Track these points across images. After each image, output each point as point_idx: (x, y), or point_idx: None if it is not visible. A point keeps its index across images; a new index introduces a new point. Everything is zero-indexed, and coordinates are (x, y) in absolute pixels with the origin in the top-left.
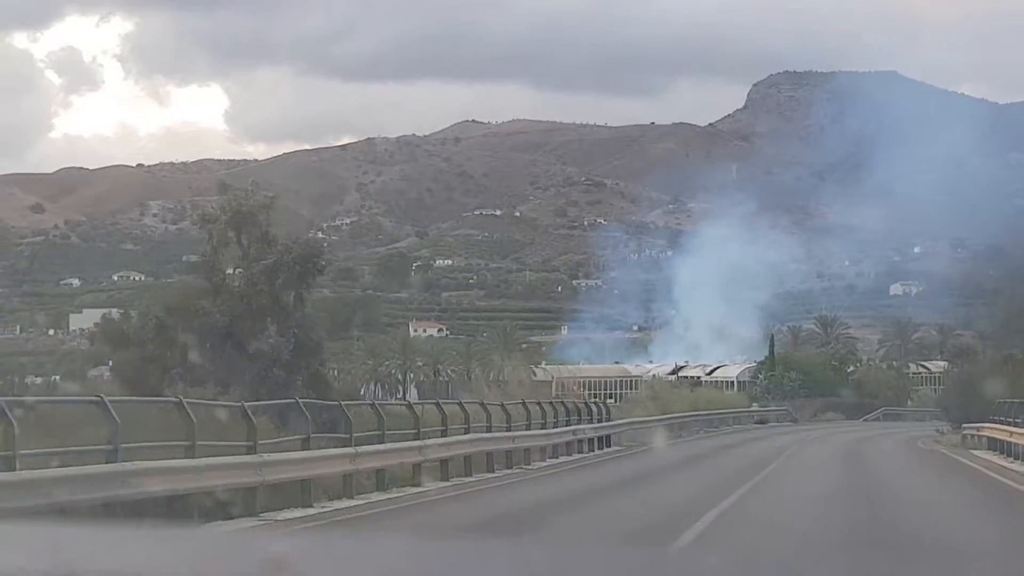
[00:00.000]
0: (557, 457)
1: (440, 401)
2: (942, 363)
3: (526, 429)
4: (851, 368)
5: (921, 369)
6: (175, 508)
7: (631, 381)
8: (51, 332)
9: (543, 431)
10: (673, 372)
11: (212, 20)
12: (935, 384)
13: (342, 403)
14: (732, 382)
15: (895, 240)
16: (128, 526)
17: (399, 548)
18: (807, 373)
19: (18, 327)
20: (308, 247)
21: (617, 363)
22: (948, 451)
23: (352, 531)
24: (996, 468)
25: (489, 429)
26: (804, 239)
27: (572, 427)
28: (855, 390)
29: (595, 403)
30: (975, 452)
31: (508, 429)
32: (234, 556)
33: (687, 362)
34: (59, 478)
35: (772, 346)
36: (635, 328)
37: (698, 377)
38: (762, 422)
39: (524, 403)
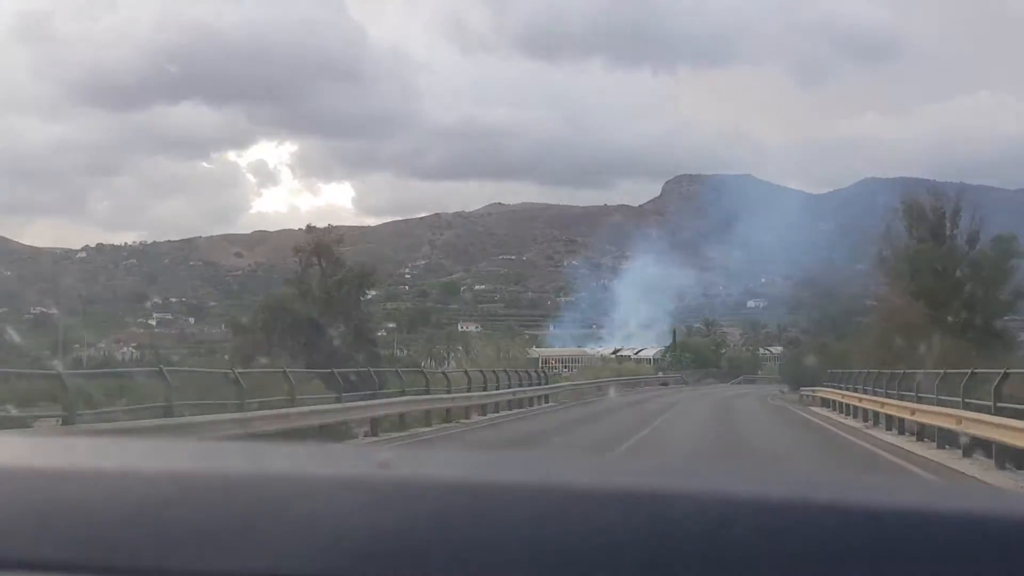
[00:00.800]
0: (498, 412)
1: (426, 370)
2: (779, 348)
3: (467, 391)
4: (723, 350)
5: (766, 352)
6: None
7: (586, 358)
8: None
9: (483, 392)
10: (614, 353)
11: (343, 142)
12: (775, 361)
13: (369, 370)
14: (650, 359)
15: (750, 274)
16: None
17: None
18: (696, 353)
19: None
20: (363, 268)
21: (579, 347)
22: (790, 406)
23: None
24: (825, 418)
25: (427, 391)
26: (696, 273)
27: (513, 389)
28: (726, 365)
29: (540, 371)
30: (812, 409)
31: (468, 390)
32: (355, 458)
33: (622, 347)
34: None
35: (674, 336)
36: (593, 326)
37: (628, 356)
38: (664, 384)
39: (467, 371)
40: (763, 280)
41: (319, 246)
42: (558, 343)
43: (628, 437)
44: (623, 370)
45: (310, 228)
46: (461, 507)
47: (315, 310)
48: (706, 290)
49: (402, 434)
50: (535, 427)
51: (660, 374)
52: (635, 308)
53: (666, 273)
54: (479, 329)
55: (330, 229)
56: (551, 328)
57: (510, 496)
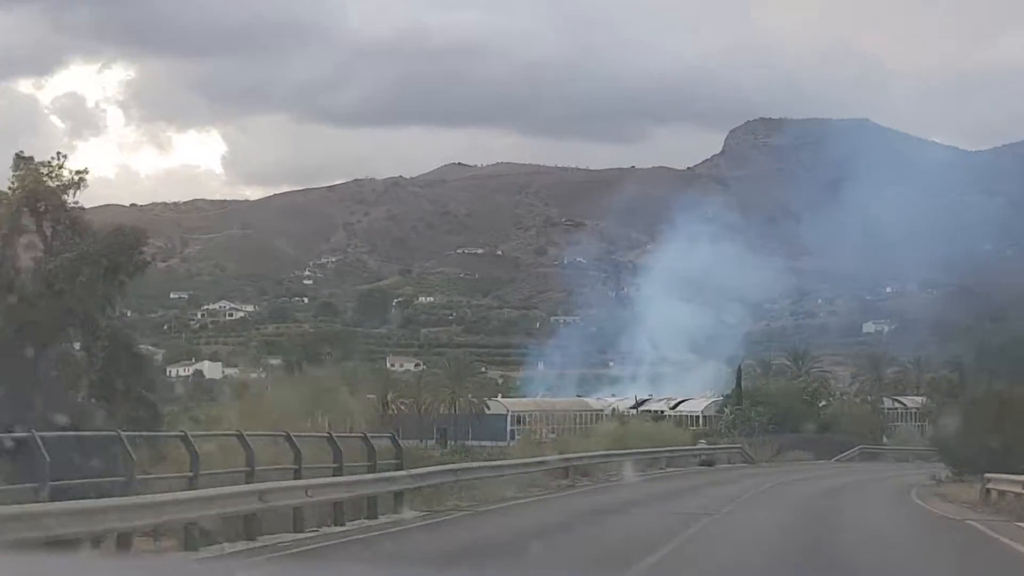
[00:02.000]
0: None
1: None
2: (919, 398)
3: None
4: (823, 403)
5: (897, 404)
6: None
7: (590, 415)
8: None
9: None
10: (635, 406)
11: (210, 68)
12: (912, 420)
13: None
14: (697, 416)
15: (867, 280)
16: None
17: None
18: (776, 407)
19: None
20: (121, 235)
21: (579, 396)
22: (971, 516)
23: None
24: None
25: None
26: (779, 277)
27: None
28: (827, 426)
29: (391, 437)
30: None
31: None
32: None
33: (651, 395)
34: None
35: (739, 379)
36: (611, 363)
37: (661, 411)
38: (708, 463)
39: (241, 435)
40: (888, 289)
41: (35, 194)
42: (547, 388)
43: None
44: (636, 435)
45: (20, 161)
46: None
47: (23, 317)
48: (796, 304)
49: None
50: None
51: (701, 442)
52: (677, 335)
53: (729, 279)
54: (420, 367)
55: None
56: (538, 365)
57: None
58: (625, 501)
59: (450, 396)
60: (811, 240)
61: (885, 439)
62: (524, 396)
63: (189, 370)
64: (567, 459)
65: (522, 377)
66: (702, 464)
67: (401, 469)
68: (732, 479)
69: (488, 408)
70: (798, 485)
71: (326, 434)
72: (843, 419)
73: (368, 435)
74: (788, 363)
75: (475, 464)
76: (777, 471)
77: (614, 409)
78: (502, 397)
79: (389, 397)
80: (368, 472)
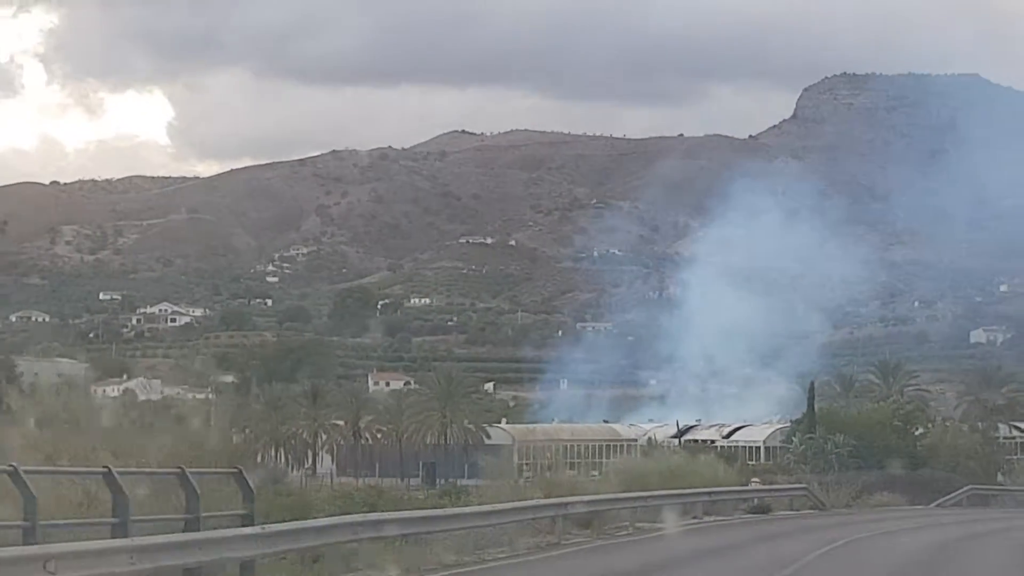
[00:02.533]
0: None
1: None
2: None
3: None
4: (920, 431)
5: (1016, 432)
6: None
7: (619, 445)
8: None
9: None
10: (678, 434)
11: (153, 13)
12: None
13: None
14: (757, 447)
15: (977, 276)
16: None
17: None
18: (859, 436)
19: None
20: None
21: (606, 422)
22: None
23: None
24: None
25: None
26: (866, 276)
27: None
28: (924, 461)
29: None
30: None
31: None
32: None
33: (698, 421)
34: None
35: (812, 399)
36: (651, 382)
37: (711, 441)
38: (762, 510)
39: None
40: (1004, 288)
41: None
42: (567, 413)
43: None
44: (663, 472)
45: None
46: None
47: None
48: (886, 307)
49: None
50: None
51: (755, 482)
52: (736, 346)
53: (803, 276)
54: (412, 385)
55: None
56: (560, 384)
57: None
58: (630, 570)
59: (440, 422)
60: (906, 226)
61: (1001, 477)
62: (537, 423)
63: (119, 389)
64: (555, 504)
65: (538, 399)
66: (753, 511)
67: (251, 523)
68: (791, 532)
69: (488, 437)
70: (885, 541)
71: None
72: (945, 452)
73: (187, 471)
74: (876, 380)
75: (398, 515)
76: (856, 521)
77: (650, 438)
78: (507, 423)
79: (363, 424)
80: (187, 527)
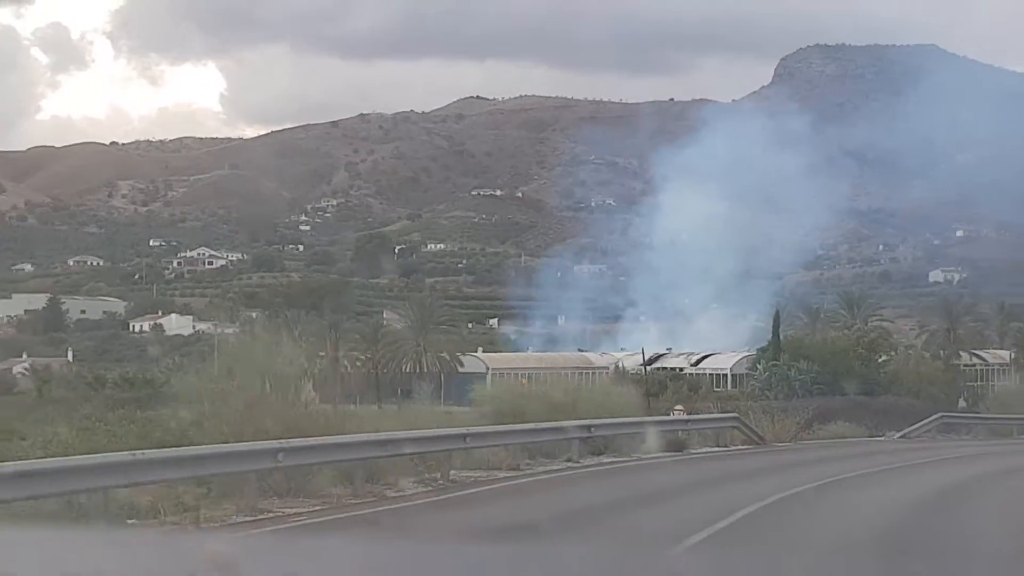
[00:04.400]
0: None
1: None
2: (1003, 352)
3: None
4: (883, 358)
5: (976, 360)
6: None
7: (590, 372)
8: None
9: None
10: (645, 363)
11: None
12: (994, 378)
13: None
14: (725, 375)
15: (934, 224)
16: None
17: None
18: (823, 363)
19: None
20: None
21: (581, 351)
22: None
23: None
24: None
25: None
26: (835, 223)
27: None
28: (888, 387)
29: None
30: None
31: None
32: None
33: (669, 350)
34: None
35: (777, 327)
36: (641, 318)
37: (679, 368)
38: (677, 447)
39: None
40: (959, 233)
41: None
42: (548, 343)
43: None
44: (561, 399)
45: None
46: None
47: None
48: (854, 250)
49: None
50: None
51: (677, 410)
52: (716, 283)
53: (778, 223)
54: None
55: None
56: (559, 320)
57: None
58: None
59: (415, 351)
60: (872, 179)
61: (962, 403)
62: (517, 351)
63: (149, 325)
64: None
65: (537, 332)
66: (665, 449)
67: None
68: (678, 488)
69: (462, 365)
70: (832, 498)
71: None
72: (908, 378)
73: None
74: (841, 310)
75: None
76: (799, 462)
77: (617, 366)
78: (483, 352)
79: (341, 353)
80: None
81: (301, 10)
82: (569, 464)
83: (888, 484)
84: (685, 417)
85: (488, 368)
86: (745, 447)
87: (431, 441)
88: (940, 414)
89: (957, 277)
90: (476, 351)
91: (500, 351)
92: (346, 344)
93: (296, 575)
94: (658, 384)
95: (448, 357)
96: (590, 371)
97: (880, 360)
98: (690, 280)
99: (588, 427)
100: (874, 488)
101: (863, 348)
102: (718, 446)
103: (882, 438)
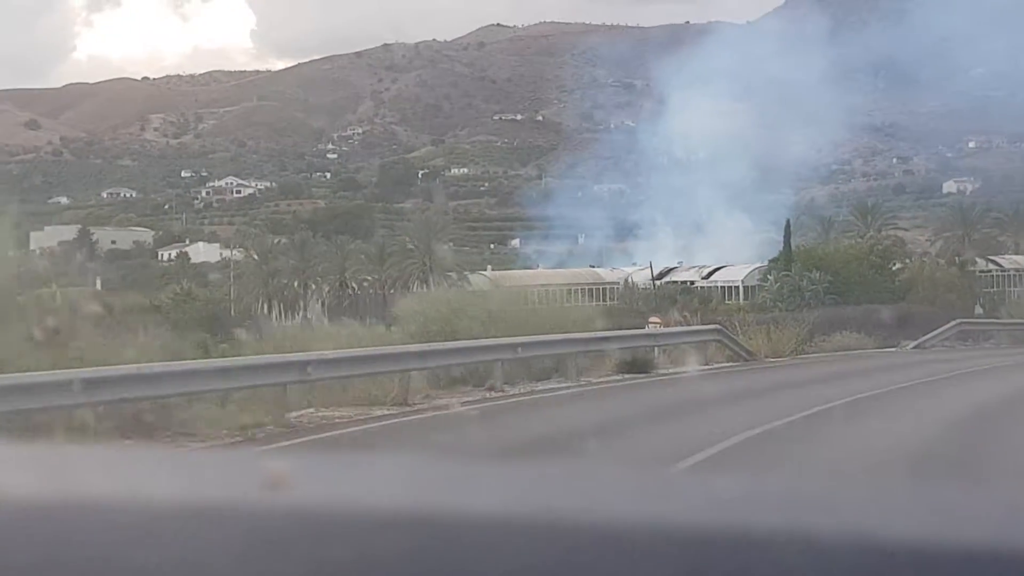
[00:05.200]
0: None
1: None
2: (1019, 257)
3: None
4: (897, 265)
5: (993, 266)
6: None
7: (599, 289)
8: (10, 253)
9: None
10: (659, 276)
11: None
12: (1011, 284)
13: None
14: (736, 287)
15: (947, 137)
16: None
17: None
18: (836, 273)
19: None
20: None
21: (592, 267)
22: None
23: None
24: None
25: None
26: (849, 138)
27: None
28: (904, 295)
29: None
30: None
31: None
32: (229, 471)
33: (680, 263)
34: None
35: (788, 237)
36: (659, 232)
37: (690, 282)
38: (640, 368)
39: None
40: (972, 144)
41: None
42: (582, 262)
43: None
44: (500, 311)
45: None
46: (404, 554)
47: None
48: (867, 163)
49: None
50: None
51: (653, 323)
52: (732, 199)
53: (793, 141)
54: (446, 244)
55: None
56: (579, 239)
57: (489, 536)
58: None
59: (420, 268)
60: (886, 94)
61: (979, 309)
62: (529, 268)
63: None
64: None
65: (557, 251)
66: (627, 370)
67: None
68: (628, 418)
69: (470, 284)
70: (823, 433)
71: None
72: (923, 285)
73: None
74: (854, 220)
75: None
76: (787, 383)
77: (627, 280)
78: (491, 269)
79: (348, 274)
80: None
81: None
82: (485, 395)
83: (886, 419)
84: (655, 331)
85: (497, 286)
86: (731, 364)
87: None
88: (958, 321)
89: (970, 187)
90: (485, 269)
91: (512, 269)
92: (354, 265)
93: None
94: (667, 298)
95: (455, 275)
96: (599, 287)
97: (894, 268)
98: (706, 195)
99: (514, 346)
100: (858, 418)
101: (876, 256)
102: (703, 364)
103: (894, 349)
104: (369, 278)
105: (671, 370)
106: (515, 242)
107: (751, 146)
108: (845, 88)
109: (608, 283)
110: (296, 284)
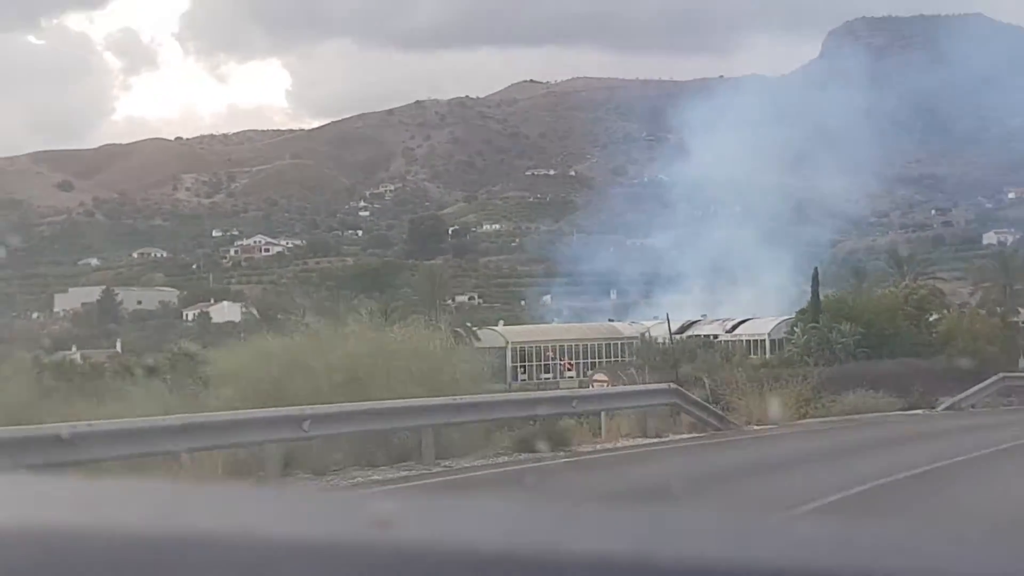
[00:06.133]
0: None
1: None
2: None
3: None
4: (934, 316)
5: None
6: None
7: (616, 344)
8: (35, 315)
9: None
10: (680, 330)
11: None
12: None
13: None
14: (762, 340)
15: (986, 188)
16: None
17: None
18: (868, 324)
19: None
20: None
21: (611, 320)
22: None
23: None
24: None
25: None
26: (886, 190)
27: None
28: (941, 347)
29: None
30: None
31: None
32: (339, 509)
33: (703, 316)
34: None
35: (816, 286)
36: (695, 289)
37: (714, 336)
38: (560, 443)
39: None
40: (1012, 195)
41: None
42: (572, 315)
43: None
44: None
45: None
46: None
47: None
48: (905, 215)
49: None
50: None
51: (597, 382)
52: (768, 254)
53: (829, 194)
54: (474, 299)
55: None
56: (611, 294)
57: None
58: None
59: (427, 326)
60: (922, 146)
61: (1023, 362)
62: (543, 323)
63: (194, 314)
64: None
65: (585, 307)
66: (532, 450)
67: None
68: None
69: (479, 340)
70: None
71: None
72: (963, 337)
73: None
74: (888, 268)
75: None
76: (744, 463)
77: (643, 334)
78: (504, 325)
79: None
80: None
81: (364, 6)
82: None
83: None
84: (573, 394)
85: (508, 342)
86: (692, 435)
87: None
88: (1000, 375)
89: (1011, 238)
90: (497, 324)
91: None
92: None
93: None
94: (686, 353)
95: (463, 332)
96: (617, 342)
97: (931, 319)
98: (739, 248)
99: (300, 420)
100: None
101: (912, 306)
102: (645, 435)
103: (920, 412)
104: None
105: (598, 447)
106: (546, 298)
107: (786, 198)
108: (881, 141)
109: (626, 338)
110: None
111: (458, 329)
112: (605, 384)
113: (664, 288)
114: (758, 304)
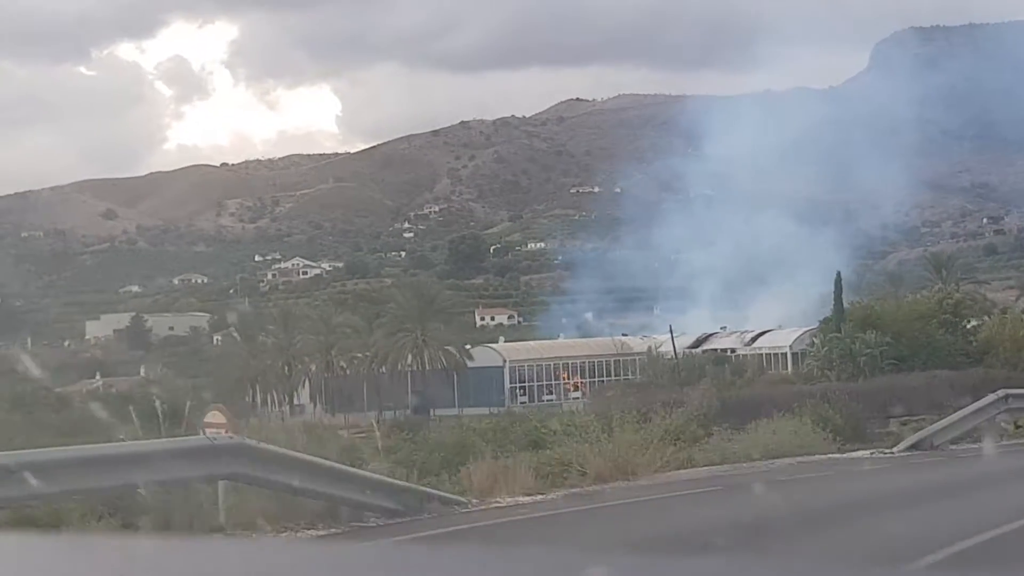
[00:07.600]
0: None
1: None
2: None
3: None
4: (973, 322)
5: None
6: None
7: (620, 362)
8: (66, 343)
9: None
10: (696, 344)
11: (313, 19)
12: None
13: None
14: (784, 353)
15: None
16: None
17: None
18: (898, 333)
19: (28, 339)
20: None
21: (624, 335)
22: None
23: None
24: None
25: None
26: (937, 199)
27: None
28: (980, 358)
29: None
30: None
31: None
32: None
33: (723, 328)
34: None
35: (839, 292)
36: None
37: (731, 350)
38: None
39: None
40: None
41: None
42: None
43: None
44: None
45: None
46: None
47: None
48: (957, 225)
49: None
50: None
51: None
52: (816, 269)
53: (880, 204)
54: (515, 319)
55: None
56: (654, 310)
57: None
58: None
59: (414, 343)
60: (972, 155)
61: None
62: (545, 339)
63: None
64: None
65: (628, 324)
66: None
67: None
68: None
69: (472, 359)
70: None
71: None
72: (1006, 346)
73: None
74: (926, 274)
75: None
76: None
77: (649, 348)
78: (504, 341)
79: (333, 353)
80: None
81: (411, 30)
82: None
83: None
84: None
85: (505, 361)
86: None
87: None
88: (1002, 392)
89: None
90: (498, 341)
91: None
92: (340, 340)
93: None
94: (695, 369)
95: (454, 351)
96: (627, 358)
97: (969, 326)
98: (787, 260)
99: None
100: None
101: (947, 312)
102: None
103: (867, 455)
104: (360, 355)
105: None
106: (588, 315)
107: (835, 209)
108: (931, 150)
109: (635, 354)
110: (281, 365)
111: (448, 348)
112: (224, 430)
113: (702, 302)
114: (795, 316)
